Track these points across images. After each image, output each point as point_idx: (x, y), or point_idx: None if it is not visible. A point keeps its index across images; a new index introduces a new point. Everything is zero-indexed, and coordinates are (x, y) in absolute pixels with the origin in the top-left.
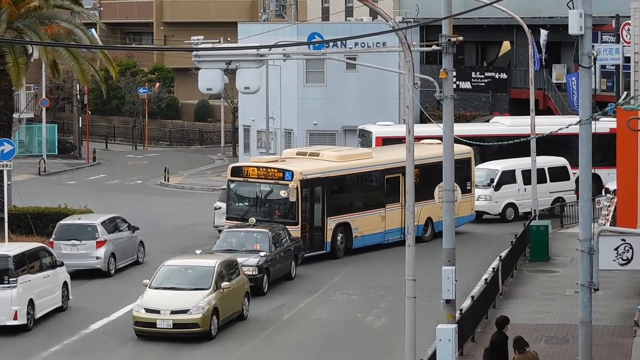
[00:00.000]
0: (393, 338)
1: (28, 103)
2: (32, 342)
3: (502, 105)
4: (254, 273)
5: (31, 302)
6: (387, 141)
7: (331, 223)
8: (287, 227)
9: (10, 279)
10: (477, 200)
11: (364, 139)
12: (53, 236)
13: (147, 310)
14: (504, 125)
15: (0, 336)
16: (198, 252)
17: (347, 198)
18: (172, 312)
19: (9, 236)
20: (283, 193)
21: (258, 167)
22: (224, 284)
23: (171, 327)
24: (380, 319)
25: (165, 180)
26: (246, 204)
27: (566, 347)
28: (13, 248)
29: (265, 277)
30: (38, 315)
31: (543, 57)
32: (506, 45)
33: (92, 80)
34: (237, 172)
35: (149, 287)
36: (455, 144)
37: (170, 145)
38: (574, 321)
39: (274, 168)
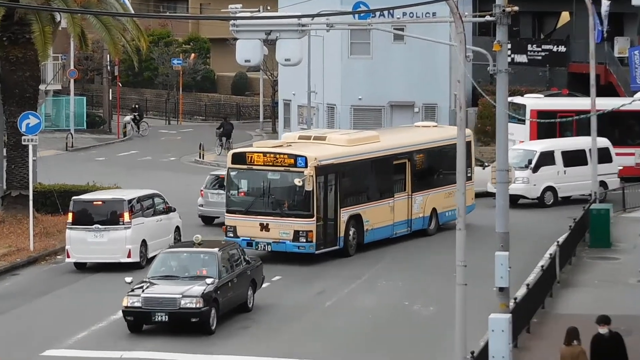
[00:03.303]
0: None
1: (55, 74)
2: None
3: (561, 80)
4: (197, 306)
5: (144, 243)
6: (541, 114)
7: (344, 215)
8: (300, 219)
9: (124, 221)
10: (514, 183)
11: (516, 113)
12: (204, 185)
13: None
14: None
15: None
16: (128, 280)
17: (358, 187)
18: None
19: (34, 215)
20: (298, 181)
21: (264, 153)
22: None
23: None
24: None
25: (200, 157)
26: (250, 195)
27: (629, 340)
28: (128, 193)
29: (213, 311)
30: (150, 255)
31: (604, 29)
32: (565, 16)
33: (124, 51)
34: (239, 159)
35: None
36: (452, 127)
37: (205, 120)
38: (637, 312)
39: (284, 154)
